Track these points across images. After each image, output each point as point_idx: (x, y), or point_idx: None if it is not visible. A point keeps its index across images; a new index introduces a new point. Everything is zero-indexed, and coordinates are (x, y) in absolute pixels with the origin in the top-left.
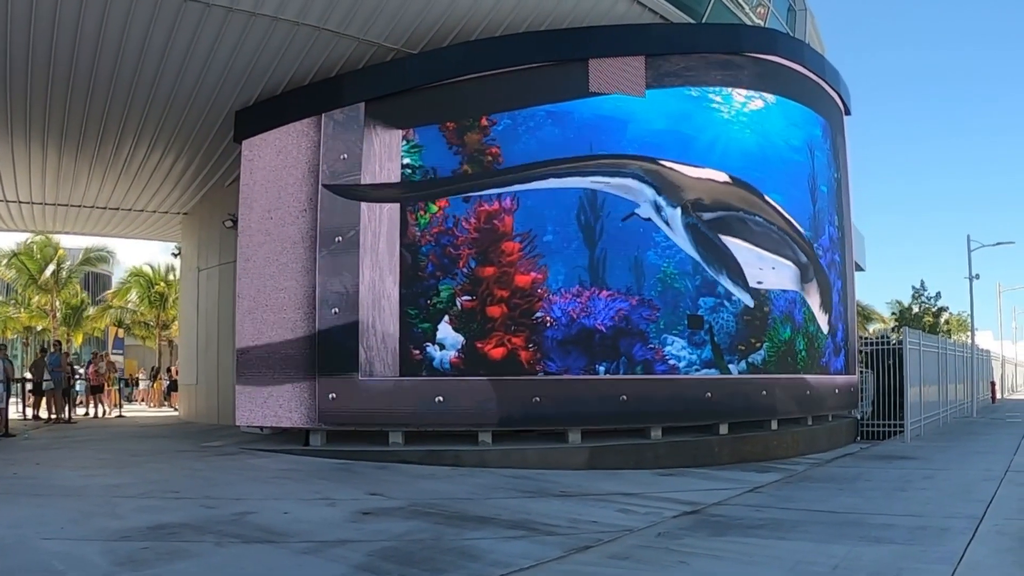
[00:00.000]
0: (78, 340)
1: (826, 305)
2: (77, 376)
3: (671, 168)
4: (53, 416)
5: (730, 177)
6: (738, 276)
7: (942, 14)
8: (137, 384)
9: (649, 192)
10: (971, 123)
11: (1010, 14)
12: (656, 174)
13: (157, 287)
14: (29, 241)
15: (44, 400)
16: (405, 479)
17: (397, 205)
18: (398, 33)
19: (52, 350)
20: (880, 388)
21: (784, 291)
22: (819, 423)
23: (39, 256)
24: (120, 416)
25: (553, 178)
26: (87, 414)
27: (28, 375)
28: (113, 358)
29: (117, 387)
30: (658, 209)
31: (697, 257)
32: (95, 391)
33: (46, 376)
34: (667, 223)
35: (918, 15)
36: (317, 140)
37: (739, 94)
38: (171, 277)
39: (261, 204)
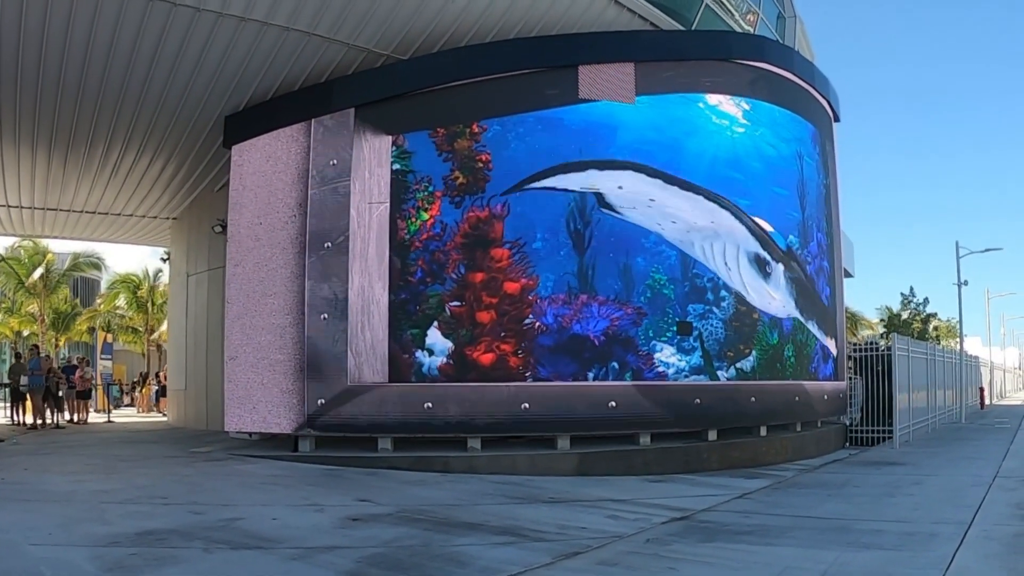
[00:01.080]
0: (61, 343)
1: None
2: (62, 380)
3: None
4: (39, 422)
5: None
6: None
7: (933, 28)
8: (135, 389)
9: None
10: (960, 133)
11: (1003, 28)
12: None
13: (141, 292)
14: (16, 245)
15: (24, 405)
16: (394, 485)
17: (387, 210)
18: (388, 38)
19: (29, 354)
20: (869, 394)
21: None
22: (808, 429)
23: (27, 261)
24: (109, 421)
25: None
26: (72, 420)
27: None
28: (103, 363)
29: (105, 392)
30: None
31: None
32: (81, 396)
33: (23, 381)
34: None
35: (908, 28)
36: (307, 145)
37: (728, 101)
38: (158, 282)
39: (250, 209)
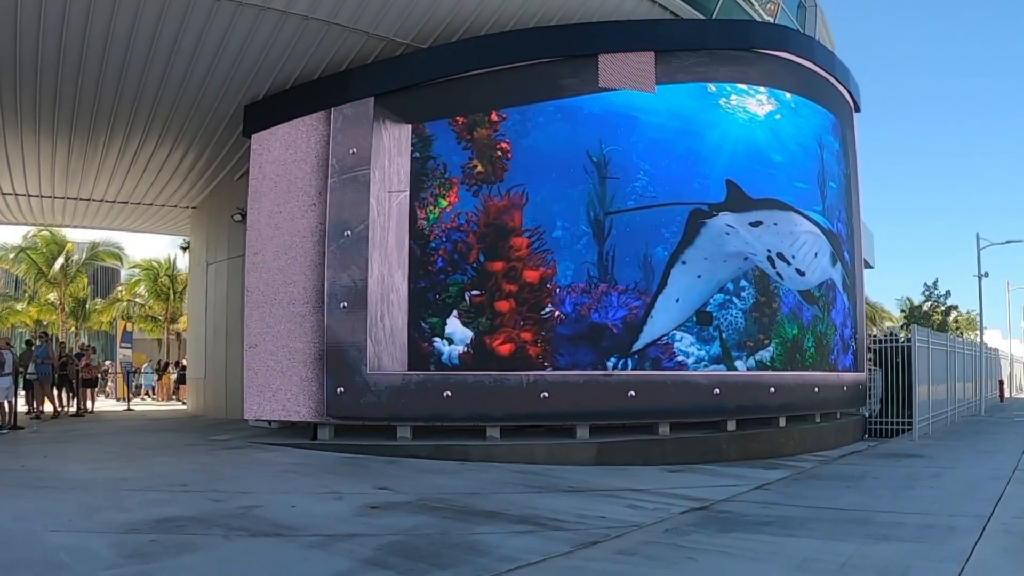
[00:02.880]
0: (75, 330)
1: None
2: (81, 367)
3: None
4: (42, 410)
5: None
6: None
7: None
8: (158, 376)
9: None
10: (984, 122)
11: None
12: None
13: (162, 280)
14: (32, 235)
15: (35, 394)
16: (413, 474)
17: (407, 199)
18: (408, 28)
19: (39, 342)
20: (888, 386)
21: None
22: (827, 420)
23: (44, 250)
24: (128, 410)
25: None
26: (78, 409)
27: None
28: (122, 351)
29: (125, 380)
30: None
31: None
32: (87, 385)
33: (31, 369)
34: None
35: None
36: (326, 134)
37: (749, 90)
38: (177, 271)
39: (270, 198)
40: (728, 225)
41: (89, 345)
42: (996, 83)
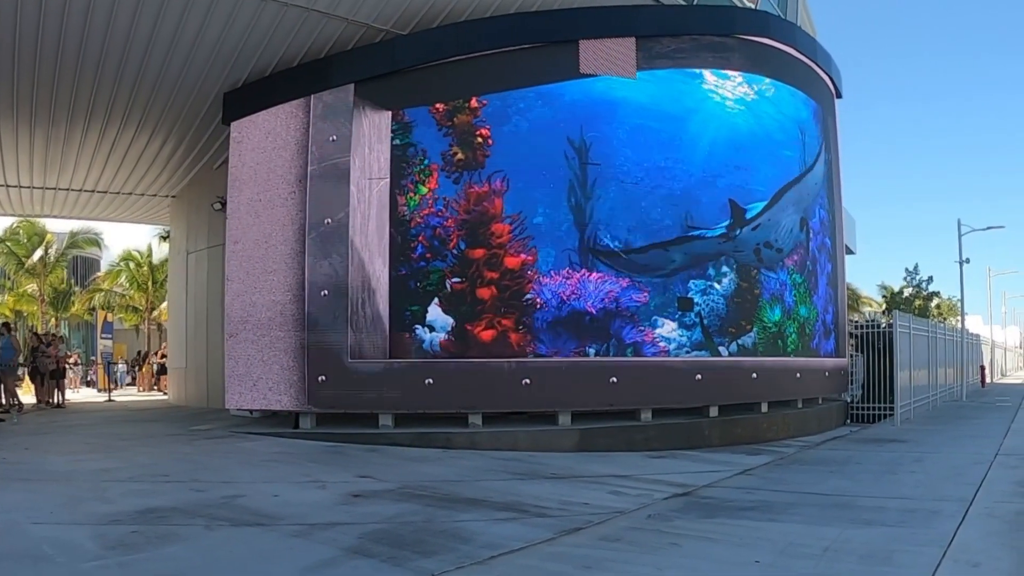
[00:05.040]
0: (54, 320)
1: None
2: (50, 357)
3: None
4: (28, 401)
5: None
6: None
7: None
8: (134, 367)
9: None
10: (964, 110)
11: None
12: None
13: (143, 270)
14: (15, 225)
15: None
16: (395, 461)
17: (387, 186)
18: (387, 14)
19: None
20: (870, 371)
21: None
22: (809, 406)
23: (26, 241)
24: (110, 400)
25: None
26: (43, 402)
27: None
28: (103, 342)
29: (106, 371)
30: None
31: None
32: (54, 376)
33: None
34: None
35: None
36: (306, 122)
37: (730, 76)
38: (157, 260)
39: (250, 186)
40: None
41: (55, 335)
42: (978, 66)
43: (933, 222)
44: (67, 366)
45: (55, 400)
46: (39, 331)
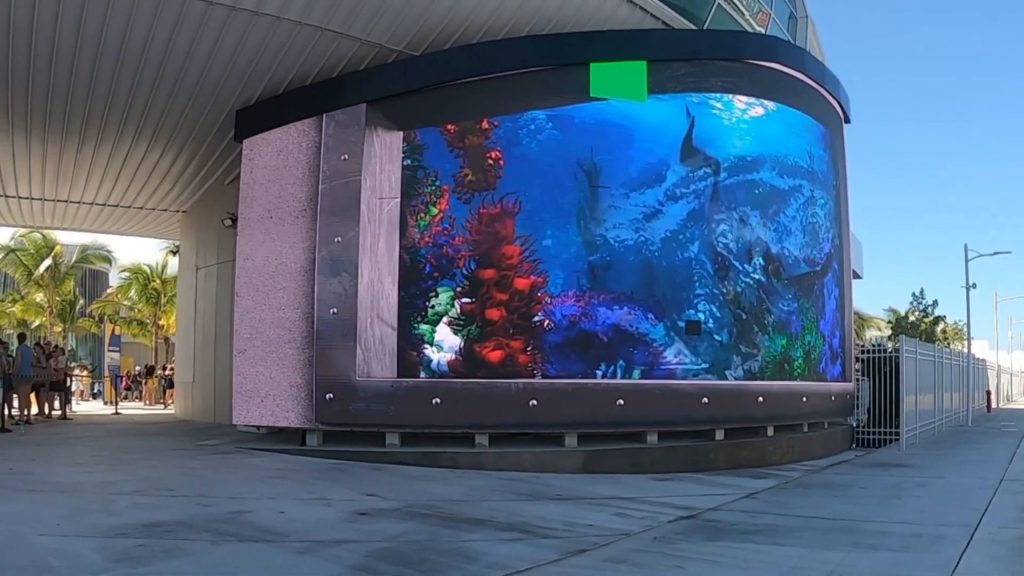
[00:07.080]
0: (58, 332)
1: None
2: (45, 369)
3: None
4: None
5: None
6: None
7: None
8: (145, 382)
9: None
10: (972, 135)
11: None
12: None
13: (153, 284)
14: (20, 236)
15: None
16: (401, 480)
17: (397, 206)
18: (400, 35)
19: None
20: (876, 396)
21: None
22: (815, 430)
23: (33, 252)
24: (116, 413)
25: None
26: (41, 414)
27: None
28: (110, 355)
29: (113, 384)
30: None
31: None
32: (55, 388)
33: None
34: None
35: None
36: (318, 140)
37: (739, 101)
38: (167, 274)
39: (261, 203)
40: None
41: (56, 345)
42: (985, 90)
43: (941, 247)
44: (72, 376)
45: (46, 411)
46: (42, 342)
